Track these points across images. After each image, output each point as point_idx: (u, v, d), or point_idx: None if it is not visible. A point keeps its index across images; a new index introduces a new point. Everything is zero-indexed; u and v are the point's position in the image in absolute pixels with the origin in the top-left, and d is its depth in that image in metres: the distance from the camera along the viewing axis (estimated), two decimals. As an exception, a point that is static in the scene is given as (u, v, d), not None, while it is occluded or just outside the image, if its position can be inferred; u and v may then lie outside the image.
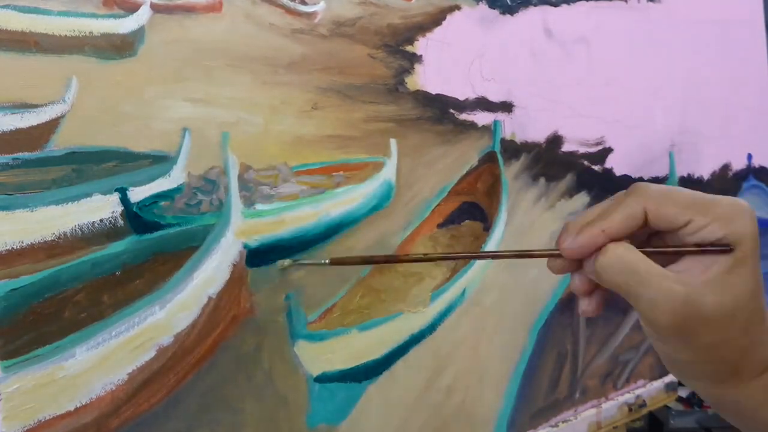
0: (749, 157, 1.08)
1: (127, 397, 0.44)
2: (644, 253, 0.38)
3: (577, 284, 0.42)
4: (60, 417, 0.41)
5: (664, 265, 0.38)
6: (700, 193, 0.39)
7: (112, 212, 0.44)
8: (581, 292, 0.42)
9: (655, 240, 0.41)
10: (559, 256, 0.41)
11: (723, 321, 0.37)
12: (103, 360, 0.43)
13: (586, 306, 0.43)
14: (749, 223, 0.38)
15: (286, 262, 0.51)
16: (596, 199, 0.82)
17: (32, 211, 0.41)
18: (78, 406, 0.42)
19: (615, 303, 0.85)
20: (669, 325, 0.38)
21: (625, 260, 0.38)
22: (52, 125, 0.42)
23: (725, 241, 0.37)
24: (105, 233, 0.44)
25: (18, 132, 0.40)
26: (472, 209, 0.69)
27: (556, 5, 0.79)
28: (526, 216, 0.74)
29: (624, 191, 0.39)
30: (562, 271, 0.42)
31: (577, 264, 0.41)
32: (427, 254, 0.52)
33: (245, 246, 0.51)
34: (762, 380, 0.40)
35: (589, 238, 0.39)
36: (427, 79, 0.65)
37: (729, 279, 0.37)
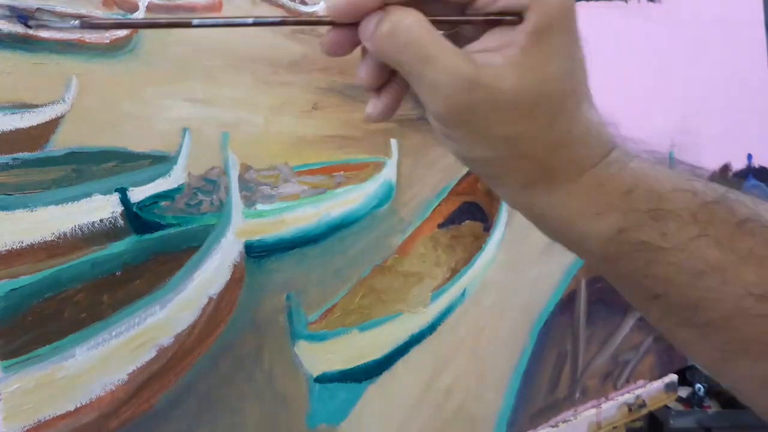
0: (749, 157, 1.08)
1: (128, 397, 0.44)
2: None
3: (360, 72, 0.35)
4: (60, 417, 0.41)
5: (461, 46, 0.32)
6: None
7: (112, 212, 0.44)
8: (367, 82, 0.35)
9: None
10: (329, 23, 0.33)
11: (521, 109, 0.31)
12: (103, 360, 0.43)
13: (371, 108, 0.36)
14: None
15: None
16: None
17: (32, 211, 0.41)
18: (78, 406, 0.42)
19: (615, 303, 0.85)
20: (452, 112, 0.31)
21: (407, 29, 0.31)
22: (51, 125, 0.42)
23: (515, 8, 0.31)
24: (105, 233, 0.44)
25: (18, 132, 0.40)
26: (472, 209, 0.69)
27: (556, 5, 0.78)
28: (527, 216, 0.74)
29: None
30: (335, 48, 0.35)
31: (355, 40, 0.33)
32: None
33: (246, 246, 0.51)
34: (577, 186, 0.33)
35: None
36: (427, 79, 0.64)
37: (531, 60, 0.31)
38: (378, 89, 0.35)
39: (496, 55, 0.31)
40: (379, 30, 0.31)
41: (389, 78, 0.35)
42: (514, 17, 0.31)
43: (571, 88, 0.33)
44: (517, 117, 0.31)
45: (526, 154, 0.33)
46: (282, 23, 0.40)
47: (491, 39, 0.32)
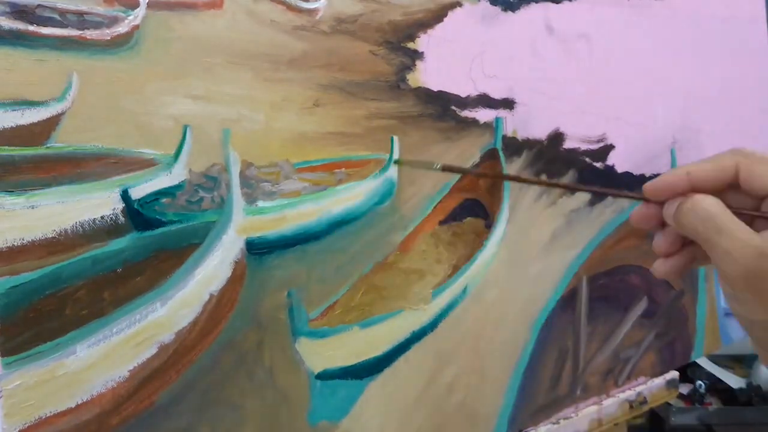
0: (751, 154, 1.07)
1: (129, 394, 0.44)
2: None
3: (657, 242, 0.41)
4: (61, 414, 0.41)
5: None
6: None
7: (113, 209, 0.44)
8: (660, 250, 0.41)
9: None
10: (641, 199, 0.40)
11: None
12: (104, 357, 0.43)
13: (660, 265, 0.42)
14: None
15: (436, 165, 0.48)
16: (597, 196, 0.82)
17: (33, 208, 0.41)
18: (79, 402, 0.42)
19: (616, 300, 0.85)
20: (740, 277, 0.36)
21: (706, 207, 0.37)
22: (52, 122, 0.42)
23: None
24: (106, 230, 0.44)
25: (19, 128, 0.40)
26: (473, 206, 0.69)
27: (557, 2, 0.78)
28: (528, 213, 0.74)
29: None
30: (642, 222, 0.41)
31: (658, 218, 0.40)
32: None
33: (247, 243, 0.51)
34: None
35: (673, 177, 0.38)
36: (428, 76, 0.64)
37: None
38: (667, 255, 0.41)
39: None
40: (682, 206, 0.38)
41: (679, 249, 0.41)
42: None
43: None
44: None
45: None
46: (602, 193, 0.48)
47: None
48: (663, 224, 0.41)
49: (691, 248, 0.41)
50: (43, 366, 0.40)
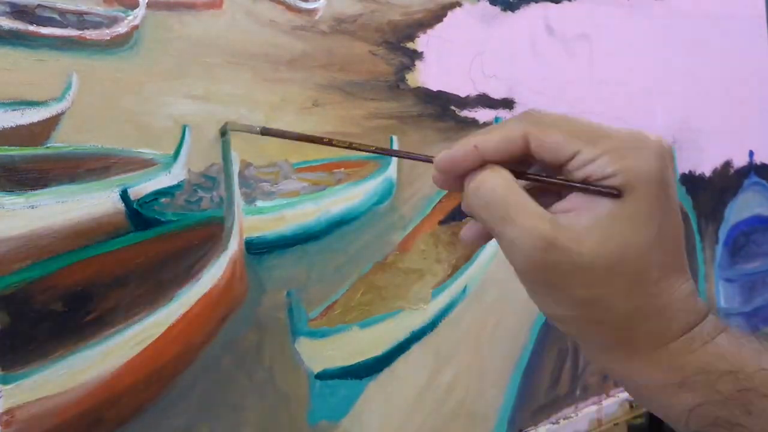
0: (751, 153, 1.07)
1: (127, 393, 0.44)
2: (525, 185, 0.33)
3: (464, 232, 0.37)
4: (59, 413, 0.41)
5: (547, 205, 0.33)
6: (598, 123, 0.33)
7: (113, 209, 0.44)
8: (465, 241, 0.37)
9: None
10: (430, 162, 0.35)
11: (598, 274, 0.31)
12: (102, 356, 0.43)
13: (465, 231, 0.37)
14: (651, 160, 0.32)
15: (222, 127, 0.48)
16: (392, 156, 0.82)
17: (33, 208, 0.41)
18: (77, 402, 0.42)
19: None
20: (529, 270, 0.32)
21: (493, 188, 0.32)
22: (52, 122, 0.42)
23: (616, 179, 0.31)
24: (105, 230, 0.44)
25: (18, 128, 0.40)
26: (473, 206, 0.69)
27: (557, 2, 0.78)
28: (527, 213, 0.74)
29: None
30: (444, 186, 0.36)
31: (458, 182, 0.35)
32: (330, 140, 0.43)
33: (246, 243, 0.51)
34: (655, 358, 0.33)
35: (460, 150, 0.33)
36: (428, 75, 0.64)
37: (614, 225, 0.31)
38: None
39: (580, 215, 0.32)
40: (467, 187, 0.33)
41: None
42: (613, 191, 0.31)
43: (657, 259, 0.32)
44: (593, 281, 0.32)
45: (602, 320, 0.33)
46: (390, 154, 0.44)
47: (577, 198, 0.32)
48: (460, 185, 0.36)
49: None
50: (42, 364, 0.40)
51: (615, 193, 0.31)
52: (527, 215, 0.31)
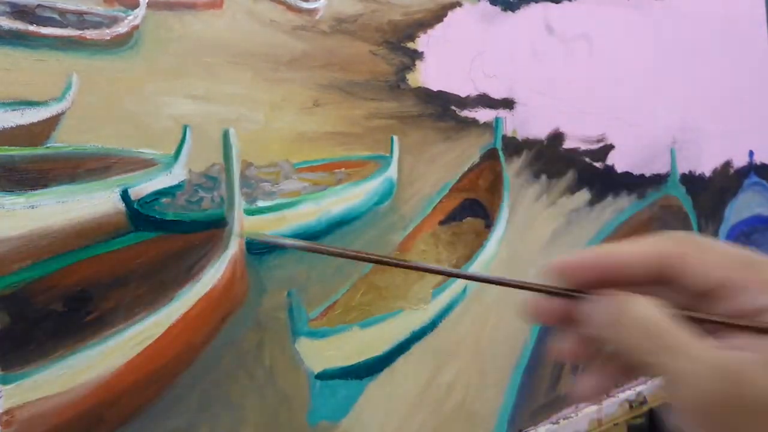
0: (751, 154, 1.07)
1: (127, 393, 0.44)
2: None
3: (562, 348, 0.32)
4: (59, 412, 0.41)
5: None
6: (748, 250, 0.30)
7: (113, 209, 0.44)
8: (571, 359, 0.32)
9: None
10: (549, 292, 0.31)
11: None
12: (102, 356, 0.43)
13: (583, 382, 0.31)
14: None
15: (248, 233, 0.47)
16: (597, 196, 0.82)
17: (33, 208, 0.41)
18: (77, 401, 0.42)
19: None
20: (704, 408, 0.27)
21: (644, 313, 0.28)
22: (52, 122, 0.42)
23: None
24: (105, 230, 0.44)
25: (19, 128, 0.40)
26: (473, 206, 0.69)
27: (557, 2, 0.78)
28: (528, 213, 0.74)
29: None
30: (543, 317, 0.32)
31: (564, 312, 0.31)
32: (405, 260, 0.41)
33: (246, 243, 0.51)
34: None
35: (591, 255, 0.30)
36: (428, 75, 0.64)
37: None
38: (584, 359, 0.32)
39: (758, 350, 0.27)
40: (606, 308, 0.29)
41: (594, 353, 0.31)
42: None
43: None
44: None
45: None
46: (501, 283, 0.38)
47: (746, 337, 0.28)
48: (569, 320, 0.31)
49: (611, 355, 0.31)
50: (42, 364, 0.40)
51: None
52: (699, 344, 0.27)
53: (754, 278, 0.28)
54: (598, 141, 0.83)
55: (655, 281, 0.30)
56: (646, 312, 0.28)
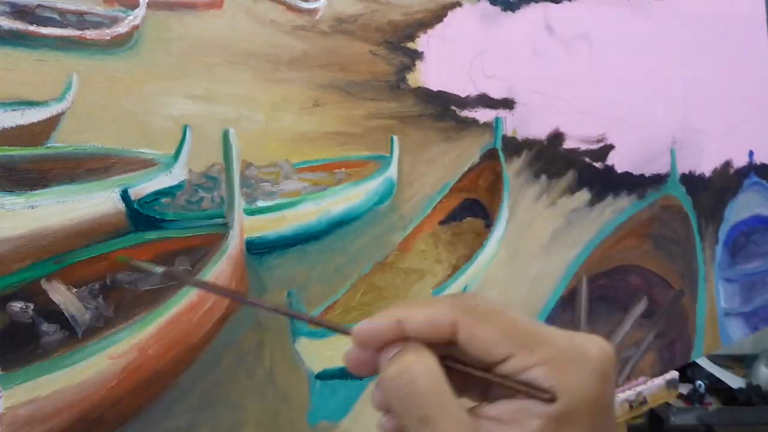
0: (751, 154, 1.07)
1: (128, 393, 0.44)
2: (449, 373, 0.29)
3: (375, 395, 0.31)
4: (59, 411, 0.41)
5: (474, 399, 0.31)
6: (538, 323, 0.30)
7: (113, 209, 0.44)
8: (378, 404, 0.32)
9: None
10: (346, 333, 0.32)
11: None
12: (102, 356, 0.43)
13: (384, 423, 0.32)
14: (593, 379, 0.29)
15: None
16: (597, 196, 0.82)
17: (33, 208, 0.41)
18: (78, 400, 0.42)
19: (616, 300, 0.85)
20: None
21: (414, 379, 0.29)
22: (52, 122, 0.42)
23: (545, 386, 0.29)
24: (105, 230, 0.44)
25: (19, 128, 0.40)
26: (473, 206, 0.69)
27: (557, 2, 0.78)
28: (528, 213, 0.74)
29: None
30: (356, 368, 0.32)
31: (372, 362, 0.31)
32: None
33: (246, 243, 0.51)
34: None
35: (382, 323, 0.30)
36: (428, 76, 0.64)
37: None
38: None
39: (507, 428, 0.29)
40: (384, 370, 0.30)
41: None
42: (547, 394, 0.28)
43: None
44: None
45: None
46: (311, 320, 0.45)
47: (506, 407, 0.29)
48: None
49: None
50: (42, 364, 0.40)
51: (548, 397, 0.29)
52: (449, 421, 0.28)
53: (539, 356, 0.29)
54: (598, 141, 0.83)
55: (448, 342, 0.30)
56: (417, 376, 0.29)
